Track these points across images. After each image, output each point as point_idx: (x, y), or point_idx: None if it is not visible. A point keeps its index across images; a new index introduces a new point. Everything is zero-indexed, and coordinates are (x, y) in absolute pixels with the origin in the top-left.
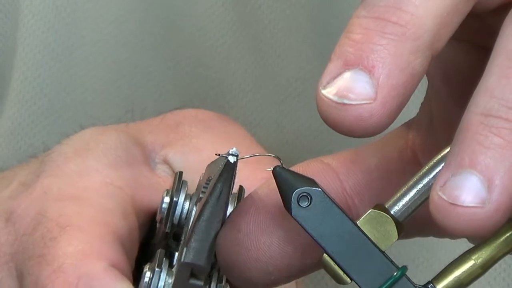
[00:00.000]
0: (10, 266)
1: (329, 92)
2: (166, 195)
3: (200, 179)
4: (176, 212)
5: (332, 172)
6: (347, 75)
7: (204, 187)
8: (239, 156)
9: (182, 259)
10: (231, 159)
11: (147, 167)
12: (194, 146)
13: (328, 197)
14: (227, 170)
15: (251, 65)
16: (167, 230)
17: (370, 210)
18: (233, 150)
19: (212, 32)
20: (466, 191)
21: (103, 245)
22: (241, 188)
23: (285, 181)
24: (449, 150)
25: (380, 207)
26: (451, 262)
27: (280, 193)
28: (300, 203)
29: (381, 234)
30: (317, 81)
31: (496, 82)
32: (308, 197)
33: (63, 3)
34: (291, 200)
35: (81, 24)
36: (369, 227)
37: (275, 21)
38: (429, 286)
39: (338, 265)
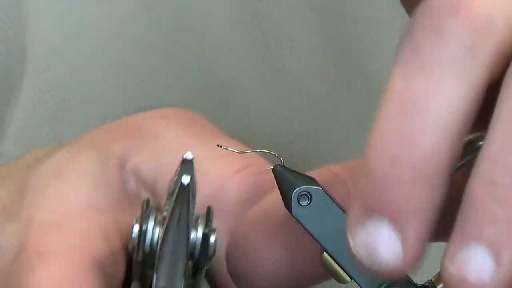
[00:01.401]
0: None
1: (357, 250)
2: (136, 223)
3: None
4: (146, 240)
5: (339, 181)
6: (372, 226)
7: (166, 205)
8: (242, 151)
9: (154, 286)
10: (185, 180)
11: (121, 183)
12: (162, 148)
13: (329, 196)
14: (183, 193)
15: (257, 60)
16: (139, 259)
17: None
18: (187, 155)
19: (217, 28)
20: (475, 266)
21: (80, 273)
22: (209, 209)
23: (285, 179)
24: (456, 222)
25: None
26: None
27: (280, 191)
28: (300, 202)
29: None
30: (324, 76)
31: (500, 150)
32: (308, 196)
33: (68, 5)
34: (291, 199)
35: (87, 26)
36: None
37: (282, 14)
38: (429, 285)
39: (338, 264)
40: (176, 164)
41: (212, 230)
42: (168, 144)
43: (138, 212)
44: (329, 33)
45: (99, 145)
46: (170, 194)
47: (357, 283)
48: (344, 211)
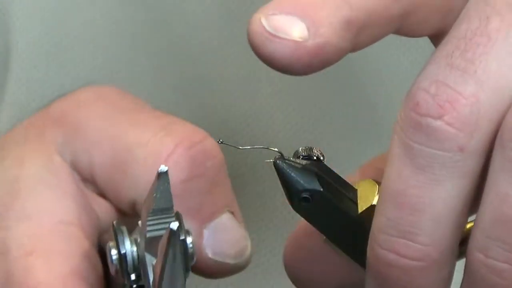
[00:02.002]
0: None
1: None
2: (112, 248)
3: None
4: (128, 263)
5: None
6: None
7: (150, 223)
8: (243, 147)
9: None
10: (173, 226)
11: (73, 180)
12: (89, 141)
13: (328, 197)
14: (174, 238)
15: (243, 58)
16: (126, 282)
17: (371, 205)
18: (162, 168)
19: (204, 28)
20: None
21: None
22: (178, 214)
23: (286, 178)
24: (462, 280)
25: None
26: None
27: (282, 187)
28: (302, 201)
29: None
30: (325, 88)
31: (490, 223)
32: (309, 197)
33: (55, 4)
34: (293, 198)
35: (73, 24)
36: (370, 217)
37: None
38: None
39: (341, 250)
40: (107, 156)
41: (188, 233)
42: (94, 136)
43: (95, 206)
44: None
45: (35, 145)
46: (154, 211)
47: (361, 266)
48: (344, 210)
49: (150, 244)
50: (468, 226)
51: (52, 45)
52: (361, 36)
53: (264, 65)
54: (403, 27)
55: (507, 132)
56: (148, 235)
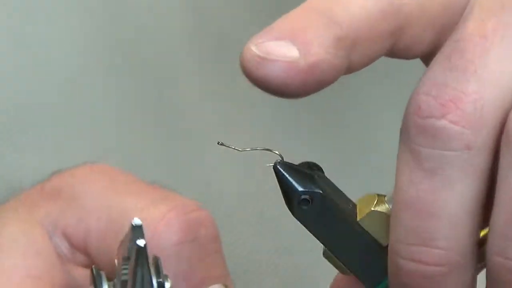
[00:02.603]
0: None
1: None
2: None
3: (116, 261)
4: None
5: None
6: None
7: (123, 269)
8: (243, 149)
9: None
10: (140, 243)
11: (53, 248)
12: (85, 210)
13: (328, 199)
14: (141, 255)
15: (212, 76)
16: None
17: (371, 210)
18: (135, 221)
19: (174, 47)
20: None
21: None
22: (156, 258)
23: (286, 181)
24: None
25: (381, 199)
26: None
27: (281, 191)
28: (301, 205)
29: (382, 230)
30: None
31: (505, 223)
32: (309, 199)
33: (14, 20)
34: (292, 202)
35: (33, 42)
36: (370, 224)
37: (234, 32)
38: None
39: (338, 259)
40: (102, 222)
41: (165, 276)
42: (90, 204)
43: (76, 274)
44: None
45: (22, 215)
46: (126, 259)
47: (359, 279)
48: (344, 212)
49: (125, 287)
50: (485, 232)
51: (10, 64)
52: (354, 54)
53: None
54: (396, 46)
55: None
56: (123, 278)
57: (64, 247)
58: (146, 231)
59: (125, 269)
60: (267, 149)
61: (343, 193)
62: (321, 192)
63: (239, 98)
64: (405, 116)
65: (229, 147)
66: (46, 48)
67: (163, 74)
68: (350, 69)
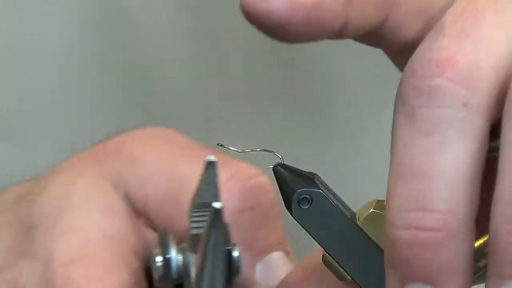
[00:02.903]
0: None
1: None
2: (158, 255)
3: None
4: (173, 269)
5: None
6: None
7: (193, 219)
8: (243, 150)
9: None
10: (217, 205)
11: (125, 206)
12: (145, 173)
13: (329, 199)
14: (216, 218)
15: (211, 79)
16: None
17: (370, 211)
18: (210, 158)
19: (167, 48)
20: None
21: None
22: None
23: (286, 181)
24: (489, 258)
25: (381, 203)
26: None
27: (280, 192)
28: (301, 205)
29: (382, 233)
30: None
31: (511, 191)
32: (308, 199)
33: (4, 21)
34: (291, 202)
35: (24, 44)
36: (370, 227)
37: (232, 44)
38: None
39: (339, 264)
40: (161, 188)
41: (234, 245)
42: (150, 168)
43: (147, 235)
44: (282, 62)
45: (90, 172)
46: (194, 207)
47: (356, 283)
48: (344, 213)
49: (194, 242)
50: (480, 242)
51: (13, 60)
52: (351, 11)
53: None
54: (383, 30)
55: None
56: (192, 232)
57: (129, 207)
58: None
59: (196, 220)
60: (267, 151)
61: (343, 200)
62: (321, 191)
63: (239, 98)
64: (401, 81)
65: (228, 148)
66: (42, 47)
67: (159, 75)
68: (345, 30)
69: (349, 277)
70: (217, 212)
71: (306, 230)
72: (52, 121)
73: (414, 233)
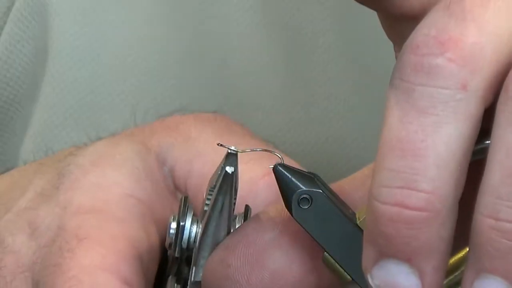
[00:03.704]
0: (27, 276)
1: (378, 287)
2: (173, 221)
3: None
4: (184, 236)
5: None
6: (388, 266)
7: (207, 198)
8: (243, 150)
9: (192, 279)
10: (229, 170)
11: (162, 175)
12: (195, 151)
13: (329, 199)
14: (226, 182)
15: (277, 67)
16: (176, 255)
17: None
18: (232, 148)
19: (239, 34)
20: None
21: (120, 261)
22: (247, 207)
23: (286, 181)
24: (468, 250)
25: None
26: (450, 260)
27: (281, 192)
28: (300, 205)
29: None
30: (345, 83)
31: (500, 181)
32: (308, 199)
33: (90, 5)
34: (291, 201)
35: (110, 28)
36: None
37: (305, 23)
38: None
39: (339, 264)
40: (207, 168)
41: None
42: (201, 147)
43: (175, 209)
44: (350, 45)
45: (138, 138)
46: (211, 188)
47: (356, 282)
48: (344, 214)
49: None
50: (454, 259)
51: (88, 47)
52: None
53: (301, 75)
54: None
55: None
56: (206, 208)
57: (169, 181)
58: (244, 184)
59: (210, 195)
60: (267, 150)
61: (343, 200)
62: (321, 191)
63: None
64: (401, 55)
65: (228, 148)
66: (115, 34)
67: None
68: None
69: (349, 277)
70: (227, 176)
71: (306, 230)
72: (125, 110)
73: (398, 210)
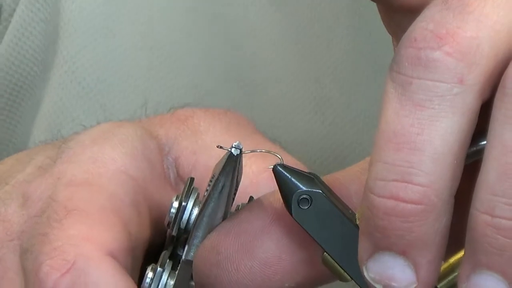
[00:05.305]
0: (15, 244)
1: (373, 279)
2: (176, 200)
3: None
4: (184, 216)
5: (342, 187)
6: (383, 259)
7: (208, 185)
8: (244, 151)
9: (184, 257)
10: (234, 151)
11: (161, 162)
12: (202, 144)
13: (328, 199)
14: (229, 163)
15: (290, 54)
16: (174, 233)
17: None
18: (236, 144)
19: (253, 22)
20: None
21: (106, 233)
22: (251, 199)
23: (286, 181)
24: (465, 245)
25: None
26: (450, 260)
27: (280, 193)
28: (300, 205)
29: None
30: (355, 71)
31: (496, 178)
32: (308, 199)
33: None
34: (291, 202)
35: (123, 10)
36: None
37: (318, 15)
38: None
39: (338, 264)
40: (212, 161)
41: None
42: (209, 141)
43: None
44: (361, 36)
45: (144, 124)
46: (211, 179)
47: (356, 282)
48: (343, 214)
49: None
50: (454, 258)
51: (104, 27)
52: None
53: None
54: None
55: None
56: (205, 193)
57: (172, 172)
58: (247, 177)
59: (210, 184)
60: (267, 151)
61: (342, 201)
62: (321, 191)
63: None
64: (399, 48)
65: (228, 149)
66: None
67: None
68: None
69: (349, 277)
70: (232, 157)
71: (306, 230)
72: (136, 95)
73: (394, 204)
